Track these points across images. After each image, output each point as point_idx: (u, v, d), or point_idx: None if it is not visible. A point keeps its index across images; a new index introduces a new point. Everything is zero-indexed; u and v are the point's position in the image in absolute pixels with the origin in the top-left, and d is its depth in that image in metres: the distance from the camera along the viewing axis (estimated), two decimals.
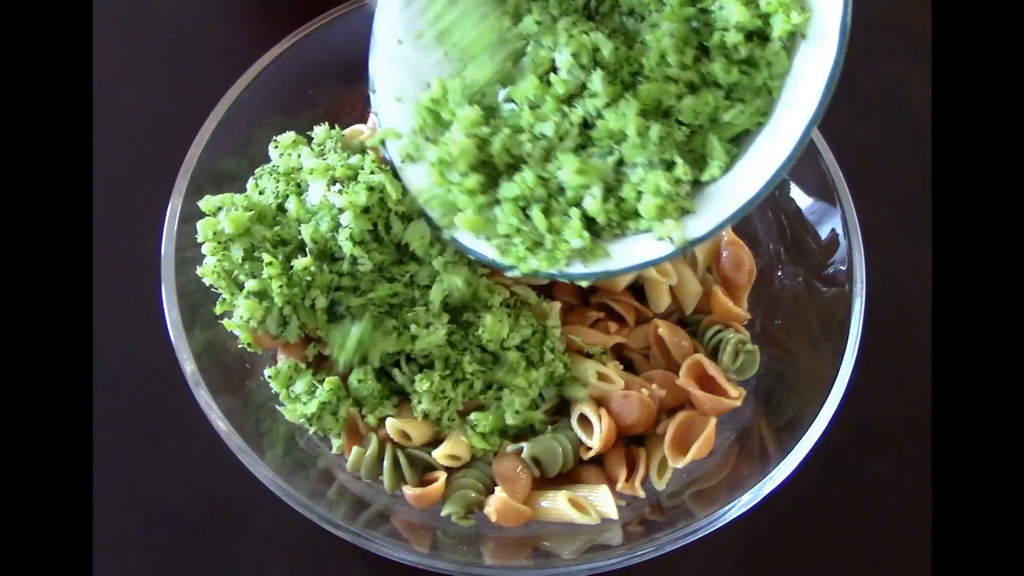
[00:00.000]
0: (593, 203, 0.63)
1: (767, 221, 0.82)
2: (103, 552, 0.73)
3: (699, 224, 0.62)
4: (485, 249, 0.66)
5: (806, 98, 0.58)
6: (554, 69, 0.65)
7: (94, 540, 0.72)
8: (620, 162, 0.64)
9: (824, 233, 0.76)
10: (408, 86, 0.70)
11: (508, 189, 0.65)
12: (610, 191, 0.64)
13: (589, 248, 0.64)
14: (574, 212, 0.64)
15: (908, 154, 0.96)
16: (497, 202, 0.66)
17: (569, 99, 0.64)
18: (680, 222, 0.62)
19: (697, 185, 0.64)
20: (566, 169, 0.63)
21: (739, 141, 0.63)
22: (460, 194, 0.66)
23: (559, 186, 0.65)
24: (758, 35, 0.61)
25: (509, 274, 0.66)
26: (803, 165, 0.77)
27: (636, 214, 0.64)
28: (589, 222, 0.64)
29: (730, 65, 0.61)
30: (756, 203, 0.60)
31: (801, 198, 0.79)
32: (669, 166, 0.62)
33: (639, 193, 0.63)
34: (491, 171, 0.67)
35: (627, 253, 0.64)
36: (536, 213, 0.64)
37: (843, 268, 0.73)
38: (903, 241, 0.91)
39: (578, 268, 0.65)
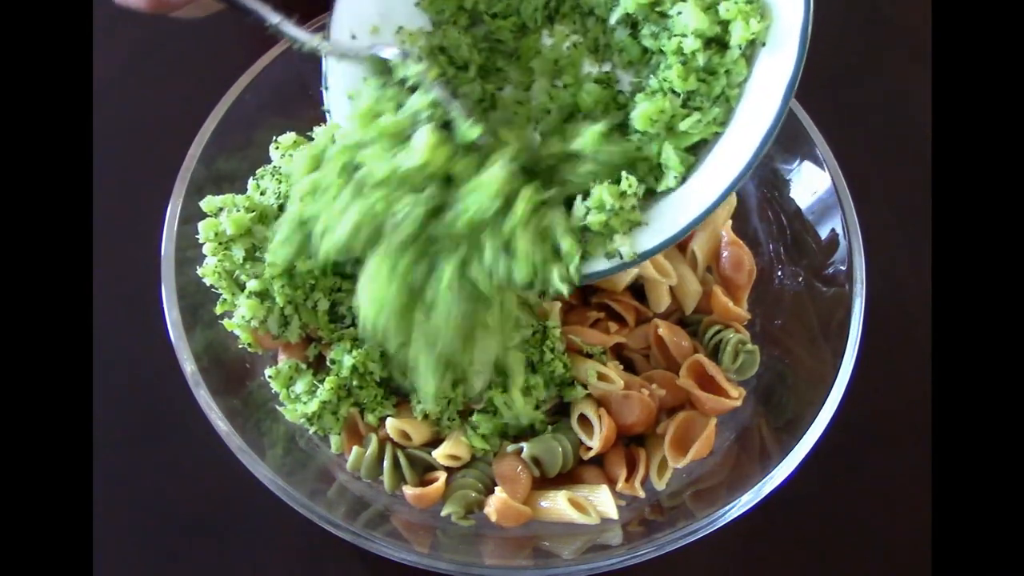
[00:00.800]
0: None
1: (767, 221, 0.82)
2: (103, 552, 0.73)
3: (650, 237, 0.61)
4: None
5: (764, 108, 0.57)
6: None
7: (94, 540, 0.72)
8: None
9: (824, 233, 0.76)
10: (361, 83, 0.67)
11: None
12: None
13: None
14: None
15: (908, 154, 0.96)
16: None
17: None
18: (629, 235, 0.61)
19: (652, 195, 0.63)
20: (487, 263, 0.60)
21: (696, 150, 0.62)
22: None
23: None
24: (717, 42, 0.59)
25: None
26: (803, 165, 0.77)
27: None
28: None
29: (687, 72, 0.60)
30: (709, 215, 0.59)
31: (801, 198, 0.78)
32: (616, 180, 0.61)
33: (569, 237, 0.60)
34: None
35: None
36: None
37: (843, 268, 0.73)
38: (903, 241, 0.91)
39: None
